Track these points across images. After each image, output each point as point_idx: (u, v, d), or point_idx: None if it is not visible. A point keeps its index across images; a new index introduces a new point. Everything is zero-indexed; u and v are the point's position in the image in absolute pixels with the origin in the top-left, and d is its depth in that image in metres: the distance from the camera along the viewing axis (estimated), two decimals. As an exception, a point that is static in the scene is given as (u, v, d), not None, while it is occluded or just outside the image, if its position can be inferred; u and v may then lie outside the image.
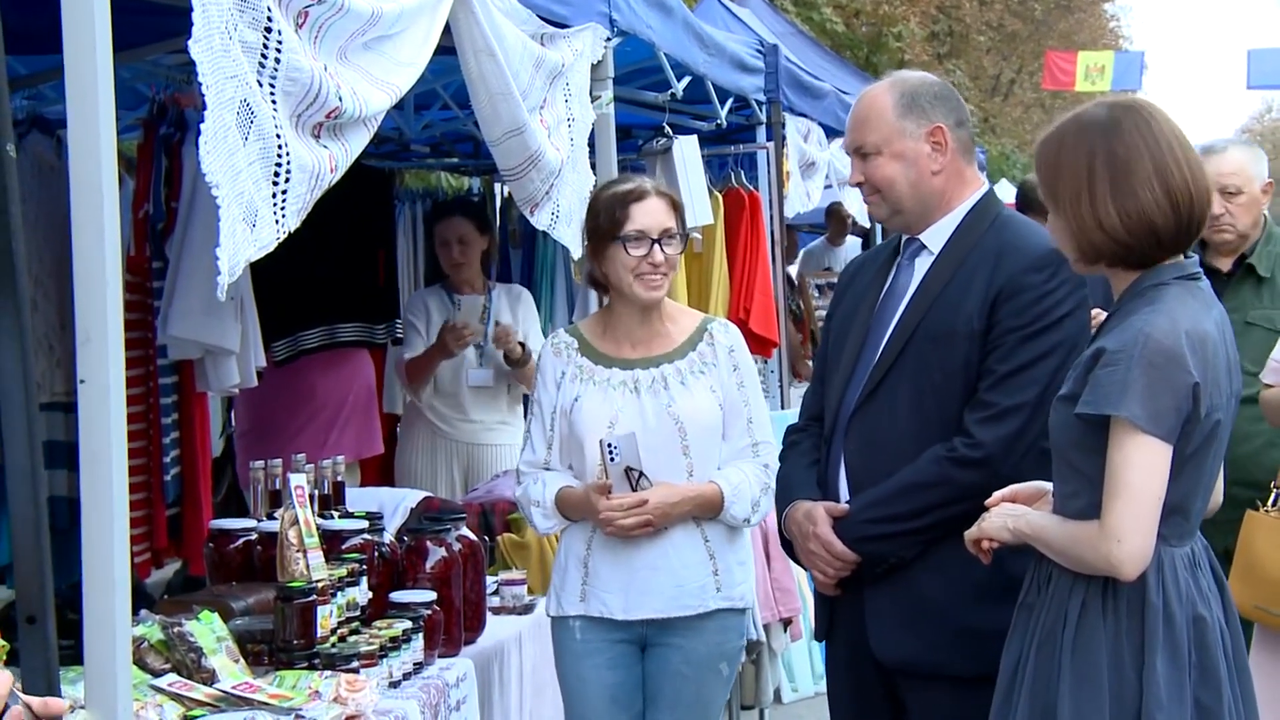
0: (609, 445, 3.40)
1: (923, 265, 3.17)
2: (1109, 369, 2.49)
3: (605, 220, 3.52)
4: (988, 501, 2.76)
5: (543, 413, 3.59)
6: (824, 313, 8.90)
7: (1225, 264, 4.40)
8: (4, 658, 2.64)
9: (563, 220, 4.06)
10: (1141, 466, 2.47)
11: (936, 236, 3.16)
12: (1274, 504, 3.83)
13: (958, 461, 2.99)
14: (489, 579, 3.84)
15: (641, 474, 3.41)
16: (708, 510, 3.49)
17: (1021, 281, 3.01)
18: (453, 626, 3.51)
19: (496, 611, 3.84)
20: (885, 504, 3.06)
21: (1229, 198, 4.38)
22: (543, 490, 3.52)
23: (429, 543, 3.57)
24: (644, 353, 3.57)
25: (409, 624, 3.31)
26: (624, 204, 3.51)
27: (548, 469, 3.58)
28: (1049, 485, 2.78)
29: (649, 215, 3.51)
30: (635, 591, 3.49)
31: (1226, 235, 4.38)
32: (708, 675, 3.54)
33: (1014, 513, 2.69)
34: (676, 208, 3.60)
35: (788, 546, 3.31)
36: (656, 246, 3.49)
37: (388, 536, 3.63)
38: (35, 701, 1.92)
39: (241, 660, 3.03)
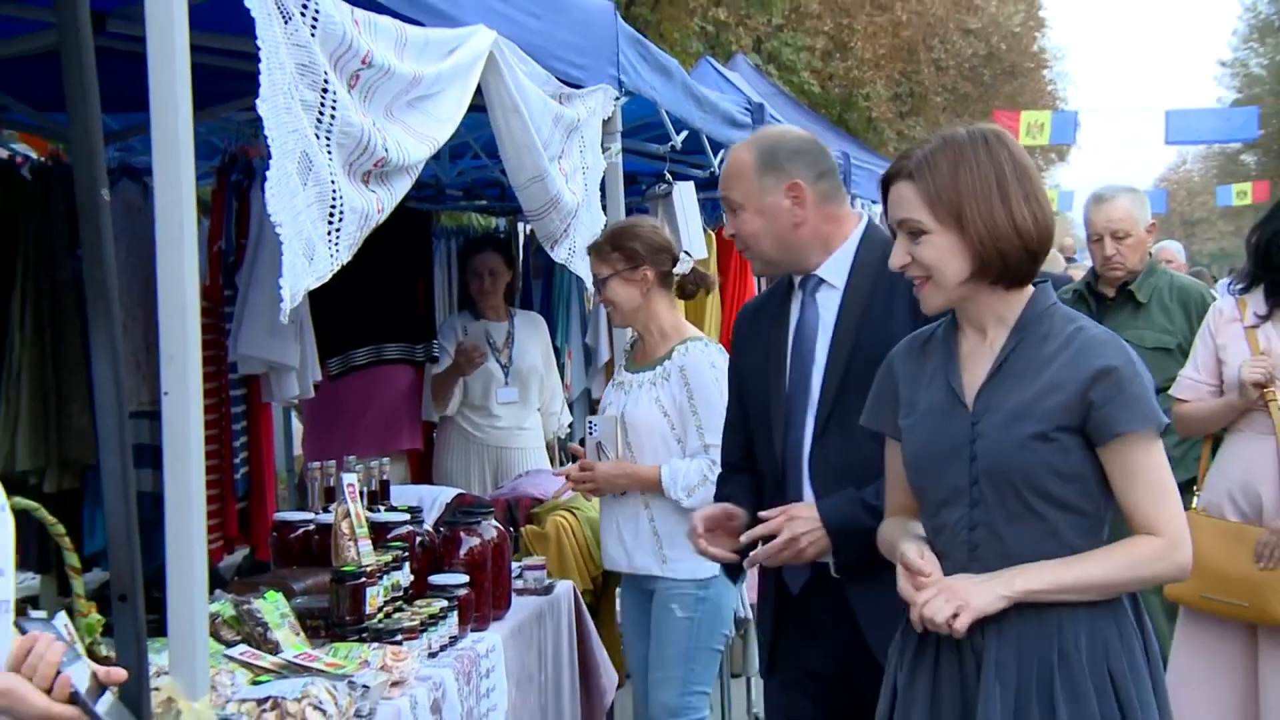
0: (590, 423, 3.81)
1: (830, 298, 2.82)
2: (1136, 384, 2.16)
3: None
4: (927, 581, 2.21)
5: None
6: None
7: (1110, 291, 4.55)
8: (101, 629, 2.65)
9: (578, 255, 4.07)
10: (1168, 469, 2.23)
11: (835, 271, 2.83)
12: (1197, 505, 3.86)
13: None
14: (514, 564, 3.84)
15: (604, 451, 3.83)
16: (648, 487, 3.79)
17: None
18: (483, 605, 3.51)
19: (520, 593, 3.84)
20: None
21: (1118, 240, 4.48)
22: None
23: (462, 533, 3.58)
24: (642, 361, 3.92)
25: (445, 603, 3.31)
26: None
27: None
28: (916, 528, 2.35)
29: (591, 268, 3.91)
30: (608, 551, 3.98)
31: (1118, 273, 4.52)
32: (663, 617, 3.85)
33: (986, 580, 2.17)
34: (602, 252, 3.85)
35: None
36: (597, 290, 3.90)
37: (427, 527, 3.63)
38: (100, 670, 1.93)
39: (301, 634, 3.03)
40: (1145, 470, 2.18)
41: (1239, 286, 3.98)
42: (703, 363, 3.76)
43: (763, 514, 2.77)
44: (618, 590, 4.24)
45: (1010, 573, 2.17)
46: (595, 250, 3.87)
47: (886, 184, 2.33)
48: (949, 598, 2.15)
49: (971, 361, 2.30)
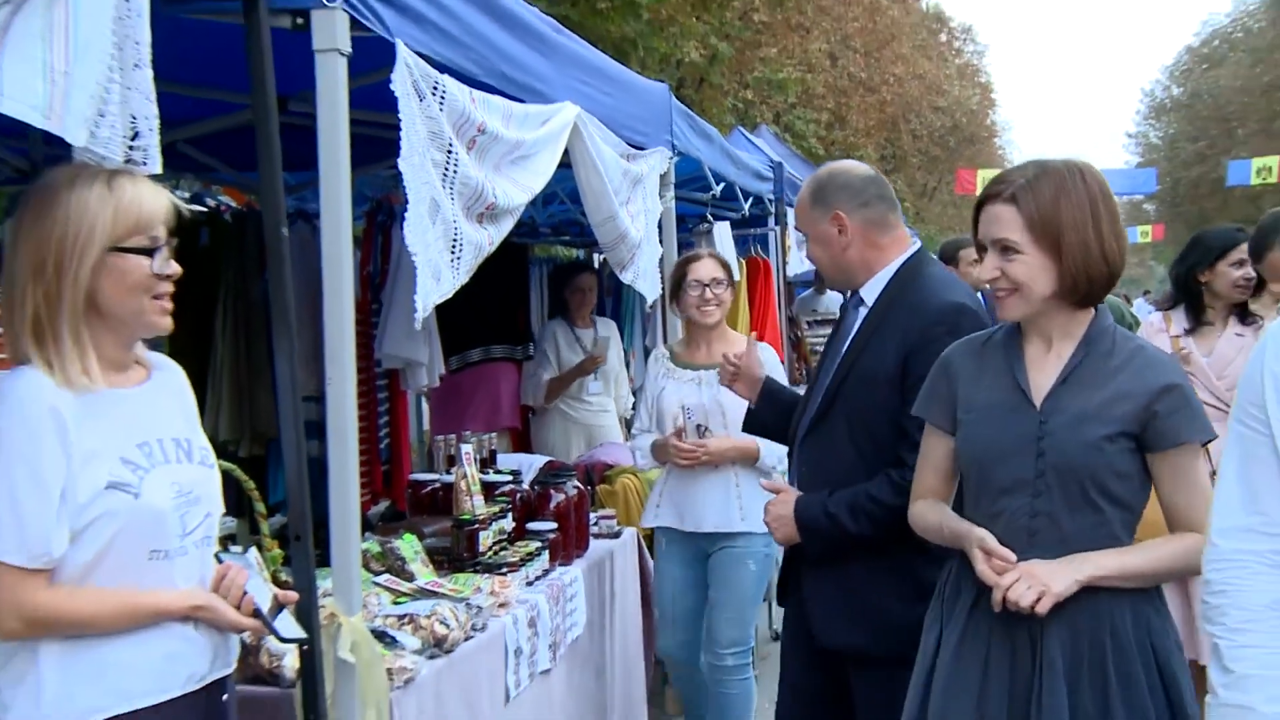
0: (686, 409, 3.64)
1: (860, 315, 2.59)
2: (1194, 399, 1.94)
3: (675, 275, 3.85)
4: (1009, 566, 1.93)
5: (647, 398, 3.88)
6: (814, 339, 8.82)
7: None
8: (281, 561, 2.66)
9: (640, 277, 4.03)
10: (1208, 475, 1.97)
11: (871, 291, 2.59)
12: None
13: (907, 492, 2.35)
14: (591, 514, 3.82)
15: (707, 429, 3.65)
16: (748, 458, 3.64)
17: (927, 334, 2.40)
18: (568, 546, 3.49)
19: (596, 536, 3.82)
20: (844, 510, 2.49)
21: None
22: (645, 443, 3.80)
23: (552, 490, 3.56)
24: (707, 360, 3.76)
25: (539, 544, 3.30)
26: (685, 264, 3.83)
27: (647, 432, 3.84)
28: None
29: (702, 270, 3.77)
30: (687, 513, 3.72)
31: None
32: (739, 569, 3.70)
33: (1060, 565, 1.91)
34: (725, 266, 3.82)
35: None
36: (706, 288, 3.73)
37: (525, 486, 3.62)
38: (279, 592, 1.93)
39: (430, 566, 3.03)
40: (1196, 475, 1.96)
41: (1166, 305, 4.09)
42: (774, 357, 3.77)
43: (764, 483, 2.79)
44: (662, 542, 3.95)
45: (1079, 559, 1.92)
46: (726, 267, 3.83)
47: (981, 204, 2.04)
48: (1031, 583, 1.89)
49: (1036, 367, 2.04)
